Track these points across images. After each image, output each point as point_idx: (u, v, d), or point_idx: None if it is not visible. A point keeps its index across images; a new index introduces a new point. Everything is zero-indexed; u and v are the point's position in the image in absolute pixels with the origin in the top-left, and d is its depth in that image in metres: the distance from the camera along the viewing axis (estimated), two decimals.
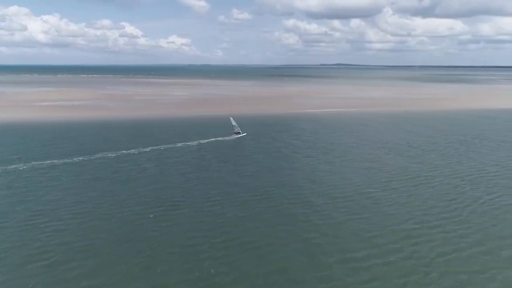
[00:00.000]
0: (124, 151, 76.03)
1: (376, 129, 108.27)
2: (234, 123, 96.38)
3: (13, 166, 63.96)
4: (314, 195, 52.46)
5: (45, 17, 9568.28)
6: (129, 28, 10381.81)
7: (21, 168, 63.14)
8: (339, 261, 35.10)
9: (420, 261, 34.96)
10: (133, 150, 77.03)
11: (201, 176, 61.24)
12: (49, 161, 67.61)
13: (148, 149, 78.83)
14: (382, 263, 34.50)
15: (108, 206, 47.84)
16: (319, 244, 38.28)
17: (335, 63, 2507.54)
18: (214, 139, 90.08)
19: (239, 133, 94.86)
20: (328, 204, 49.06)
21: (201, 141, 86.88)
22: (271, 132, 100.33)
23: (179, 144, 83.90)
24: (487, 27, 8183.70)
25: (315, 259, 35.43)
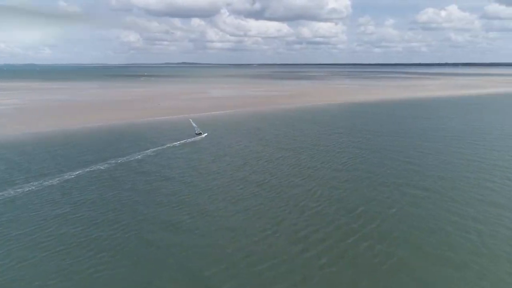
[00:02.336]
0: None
1: (258, 130, 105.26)
2: (194, 124, 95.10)
3: None
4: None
5: None
6: None
7: None
8: None
9: None
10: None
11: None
12: None
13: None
14: None
15: None
16: None
17: (180, 61, 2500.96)
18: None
19: (200, 133, 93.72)
20: None
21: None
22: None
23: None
24: (306, 30, 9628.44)
25: None
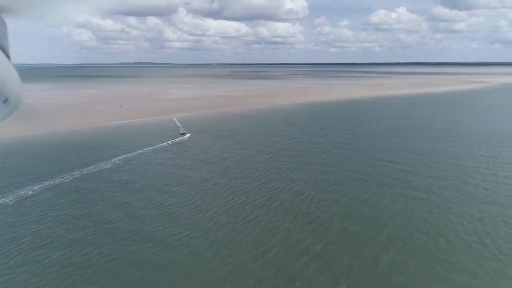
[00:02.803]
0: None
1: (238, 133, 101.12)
2: (179, 124, 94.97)
3: None
4: None
5: None
6: None
7: None
8: None
9: None
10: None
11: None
12: None
13: None
14: None
15: None
16: None
17: (136, 61, 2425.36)
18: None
19: (184, 134, 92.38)
20: None
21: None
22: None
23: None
24: (265, 30, 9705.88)
25: None
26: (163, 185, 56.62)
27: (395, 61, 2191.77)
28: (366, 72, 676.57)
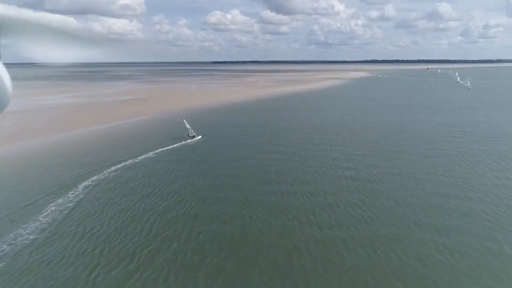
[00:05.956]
0: None
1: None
2: (188, 126, 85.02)
3: None
4: None
5: None
6: None
7: None
8: None
9: None
10: None
11: None
12: None
13: None
14: None
15: None
16: None
17: None
18: None
19: (194, 136, 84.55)
20: None
21: None
22: None
23: None
24: (99, 25, 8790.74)
25: None
26: None
27: (236, 60, 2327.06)
28: (220, 70, 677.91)
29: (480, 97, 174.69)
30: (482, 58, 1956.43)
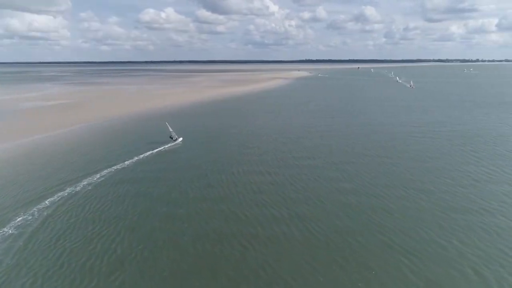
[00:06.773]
0: None
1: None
2: (170, 129, 79.24)
3: None
4: None
5: None
6: None
7: None
8: None
9: None
10: None
11: None
12: None
13: None
14: None
15: None
16: None
17: None
18: None
19: (176, 139, 78.90)
20: None
21: None
22: None
23: None
24: (17, 22, 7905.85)
25: None
26: None
27: (172, 59, 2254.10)
28: (158, 70, 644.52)
29: (432, 97, 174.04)
30: (404, 58, 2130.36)
